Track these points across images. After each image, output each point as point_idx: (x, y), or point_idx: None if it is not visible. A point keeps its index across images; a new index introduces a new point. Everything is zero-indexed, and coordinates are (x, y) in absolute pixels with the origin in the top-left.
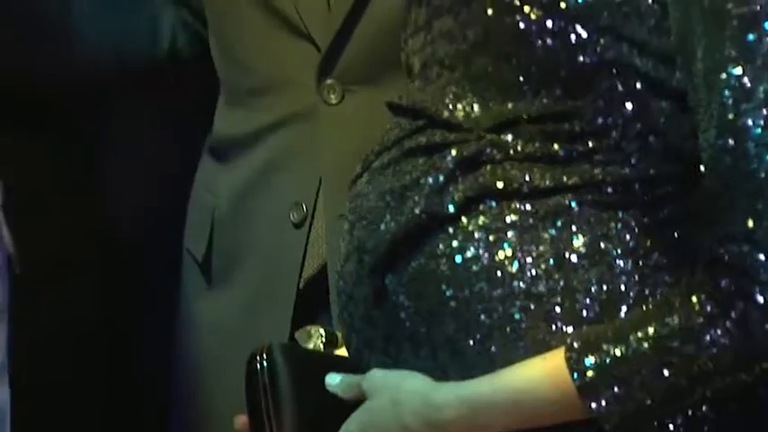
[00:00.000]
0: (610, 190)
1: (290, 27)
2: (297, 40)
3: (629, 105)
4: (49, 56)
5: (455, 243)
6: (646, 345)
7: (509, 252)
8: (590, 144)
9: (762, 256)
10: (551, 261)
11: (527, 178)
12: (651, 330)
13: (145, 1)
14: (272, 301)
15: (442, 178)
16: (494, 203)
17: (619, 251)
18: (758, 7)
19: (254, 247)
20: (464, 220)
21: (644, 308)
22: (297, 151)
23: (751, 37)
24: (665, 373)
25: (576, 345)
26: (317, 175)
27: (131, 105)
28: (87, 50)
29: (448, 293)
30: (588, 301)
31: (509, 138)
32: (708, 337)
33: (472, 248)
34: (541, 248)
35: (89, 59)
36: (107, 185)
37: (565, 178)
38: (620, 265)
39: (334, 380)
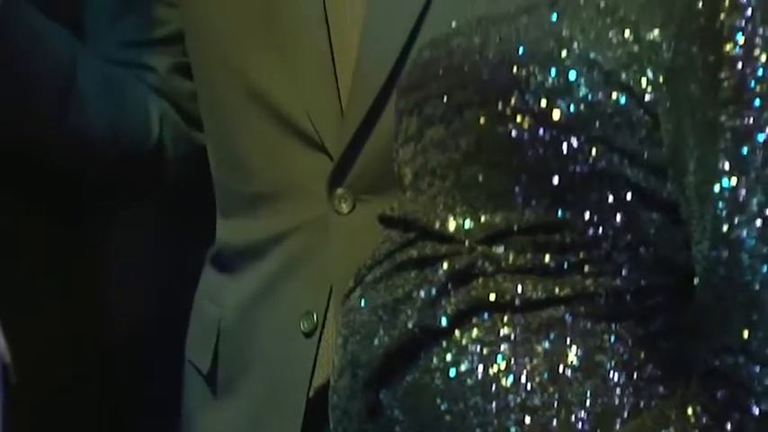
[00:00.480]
0: (602, 301)
1: (301, 135)
2: (308, 148)
3: (619, 216)
4: (47, 130)
5: (449, 357)
6: None
7: (503, 365)
8: (581, 255)
9: (757, 368)
10: (546, 375)
11: (519, 290)
12: None
13: (137, 85)
14: (281, 411)
15: (434, 291)
16: (486, 316)
17: (613, 363)
18: (752, 120)
19: (261, 357)
20: (457, 333)
21: (640, 420)
22: (306, 260)
23: (745, 150)
24: None
25: None
26: (328, 284)
27: (131, 213)
28: (83, 127)
29: (443, 407)
30: (583, 414)
31: (500, 249)
32: None
33: (466, 362)
34: (535, 362)
35: (85, 136)
36: (106, 296)
37: (557, 290)
38: (614, 378)
39: None
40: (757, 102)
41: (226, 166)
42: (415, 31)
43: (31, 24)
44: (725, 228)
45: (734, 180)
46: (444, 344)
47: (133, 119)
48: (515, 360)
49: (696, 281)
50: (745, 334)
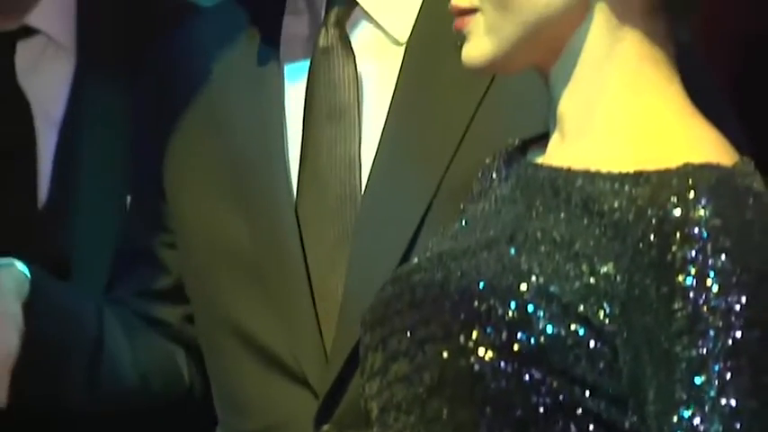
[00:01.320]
0: None
1: (288, 374)
2: (295, 387)
3: None
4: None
5: None
6: None
7: None
8: None
9: None
10: None
11: None
12: None
13: (157, 334)
14: None
15: None
16: None
17: None
18: (705, 351)
19: None
20: None
21: None
22: None
23: (699, 380)
24: None
25: None
26: None
27: None
28: (114, 383)
29: None
30: None
31: None
32: None
33: None
34: None
35: (117, 391)
36: None
37: None
38: None
39: None
40: (711, 332)
41: (222, 402)
42: None
43: (59, 304)
44: None
45: (690, 410)
46: None
47: (162, 367)
48: None
49: None
50: None
